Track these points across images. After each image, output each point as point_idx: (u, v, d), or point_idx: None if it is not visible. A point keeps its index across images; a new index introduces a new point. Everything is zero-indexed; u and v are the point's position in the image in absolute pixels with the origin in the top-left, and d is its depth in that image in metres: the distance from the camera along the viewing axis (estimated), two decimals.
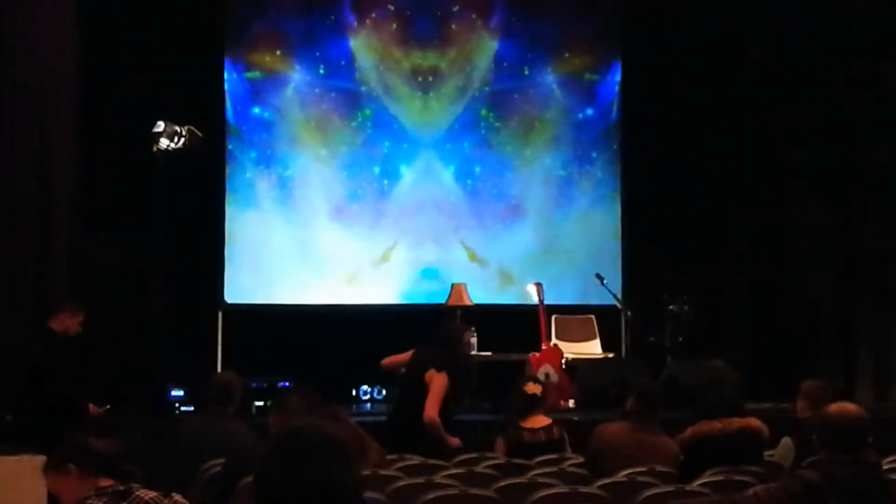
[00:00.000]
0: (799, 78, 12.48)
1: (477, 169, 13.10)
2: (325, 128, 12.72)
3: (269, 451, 3.12)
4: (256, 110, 12.46)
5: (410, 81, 12.97)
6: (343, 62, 12.75)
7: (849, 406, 5.02)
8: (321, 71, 12.67)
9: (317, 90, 12.69)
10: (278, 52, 12.48)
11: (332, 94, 12.73)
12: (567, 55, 13.25)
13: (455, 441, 7.68)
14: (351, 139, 12.78)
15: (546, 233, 13.15)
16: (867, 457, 4.83)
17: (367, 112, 12.81)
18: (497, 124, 13.16)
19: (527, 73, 13.22)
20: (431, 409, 7.70)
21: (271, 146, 12.52)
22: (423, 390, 7.80)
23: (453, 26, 13.08)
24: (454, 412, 8.12)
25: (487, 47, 13.15)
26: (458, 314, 11.13)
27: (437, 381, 7.81)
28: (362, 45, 12.83)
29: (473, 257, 13.10)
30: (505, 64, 13.14)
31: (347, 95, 12.78)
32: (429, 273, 12.89)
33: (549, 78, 13.24)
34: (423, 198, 12.94)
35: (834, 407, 5.02)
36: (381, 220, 12.83)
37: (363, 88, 12.82)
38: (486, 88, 13.13)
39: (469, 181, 13.07)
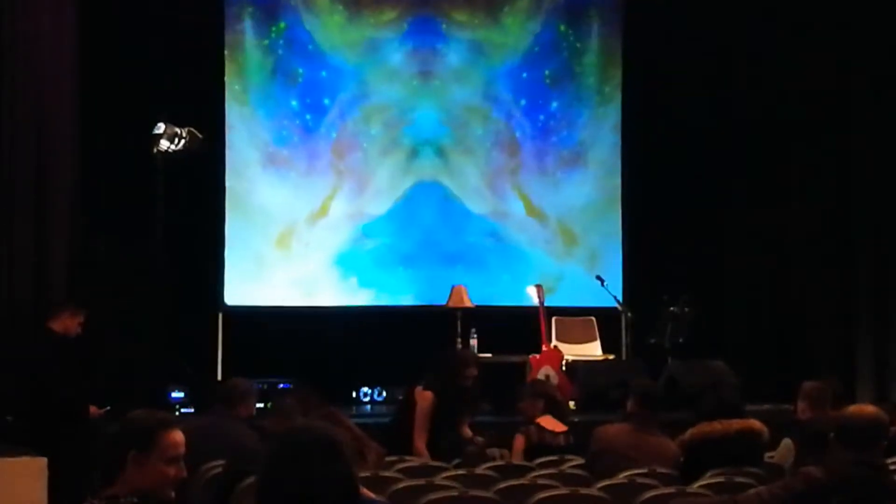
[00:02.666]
0: (799, 79, 12.49)
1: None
2: None
3: (270, 452, 3.13)
4: None
5: None
6: None
7: (868, 407, 5.04)
8: None
9: None
10: None
11: None
12: None
13: None
14: None
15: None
16: (876, 458, 4.83)
17: None
18: None
19: None
20: (418, 441, 7.81)
21: None
22: (409, 406, 7.84)
23: None
24: (446, 433, 8.08)
25: None
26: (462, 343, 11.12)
27: (422, 402, 7.87)
28: None
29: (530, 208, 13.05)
30: None
31: None
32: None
33: None
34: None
35: (854, 407, 5.04)
36: None
37: None
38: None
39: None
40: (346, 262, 12.52)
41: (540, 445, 7.39)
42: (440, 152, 12.86)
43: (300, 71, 12.51)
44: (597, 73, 13.25)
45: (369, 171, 12.68)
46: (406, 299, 12.59)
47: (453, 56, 12.93)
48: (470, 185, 12.94)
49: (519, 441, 7.50)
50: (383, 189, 12.71)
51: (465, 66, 12.96)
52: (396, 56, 12.79)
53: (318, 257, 12.46)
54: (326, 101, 12.58)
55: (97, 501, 3.88)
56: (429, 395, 7.91)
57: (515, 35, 13.09)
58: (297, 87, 12.51)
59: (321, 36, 12.57)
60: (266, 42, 12.39)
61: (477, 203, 12.95)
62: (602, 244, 13.09)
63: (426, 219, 12.83)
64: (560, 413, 7.78)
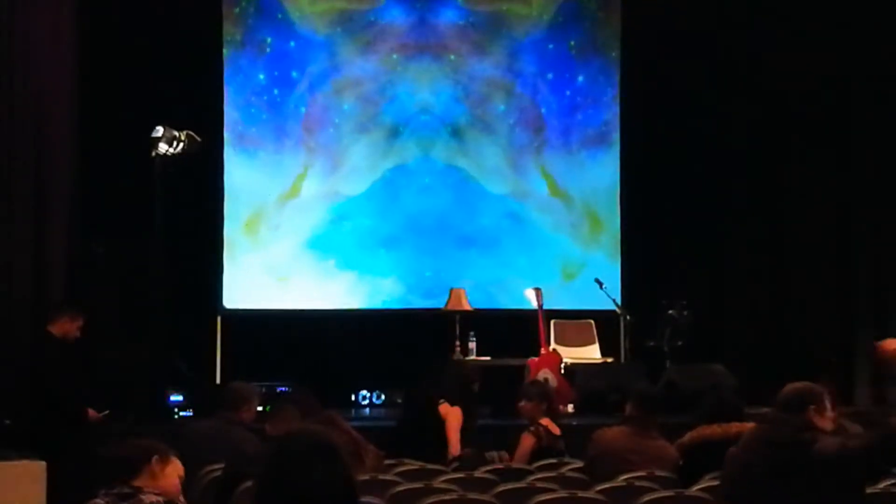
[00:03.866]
0: (799, 83, 12.48)
1: None
2: None
3: (268, 456, 3.14)
4: None
5: None
6: None
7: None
8: None
9: None
10: None
11: None
12: None
13: None
14: None
15: None
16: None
17: None
18: None
19: None
20: (456, 447, 7.79)
21: None
22: (437, 422, 7.81)
23: None
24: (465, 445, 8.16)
25: None
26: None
27: (453, 417, 7.86)
28: None
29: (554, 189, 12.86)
30: None
31: None
32: None
33: None
34: None
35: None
36: None
37: None
38: None
39: None
40: (322, 244, 12.31)
41: (547, 447, 7.44)
42: (454, 132, 12.63)
43: (268, 41, 12.25)
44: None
45: (342, 149, 12.41)
46: (388, 282, 12.42)
47: (469, 30, 12.67)
48: (488, 165, 12.71)
49: (528, 441, 7.55)
50: (360, 168, 12.44)
51: (480, 39, 12.70)
52: (377, 29, 12.52)
53: (291, 241, 12.23)
54: (295, 75, 12.31)
55: (122, 486, 3.94)
56: (458, 411, 7.93)
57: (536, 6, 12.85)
58: (266, 57, 12.22)
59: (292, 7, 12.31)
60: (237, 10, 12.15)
61: (496, 183, 12.72)
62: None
63: (418, 200, 12.53)
64: (555, 417, 7.83)
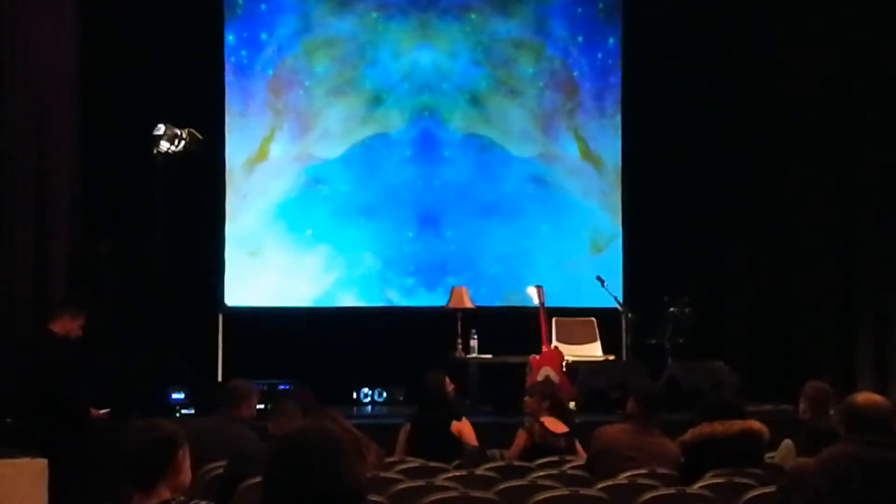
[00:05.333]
0: (800, 82, 12.48)
1: None
2: None
3: (274, 453, 3.13)
4: None
5: None
6: None
7: (874, 395, 5.08)
8: None
9: None
10: None
11: None
12: None
13: None
14: None
15: None
16: (888, 438, 4.85)
17: None
18: None
19: None
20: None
21: None
22: (456, 441, 7.79)
23: None
24: None
25: None
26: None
27: (468, 428, 7.90)
28: None
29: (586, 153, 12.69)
30: None
31: None
32: None
33: None
34: None
35: (860, 395, 5.08)
36: None
37: None
38: None
39: None
40: (295, 212, 12.15)
41: (542, 444, 7.43)
42: (473, 99, 12.49)
43: (240, 2, 12.08)
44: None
45: (314, 112, 12.19)
46: (368, 257, 12.33)
47: None
48: (514, 129, 12.55)
49: (521, 437, 7.59)
50: (335, 133, 12.24)
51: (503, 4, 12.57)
52: None
53: (260, 208, 12.04)
54: (264, 37, 12.12)
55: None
56: (466, 421, 7.95)
57: None
58: (237, 19, 12.04)
59: None
60: None
61: (521, 146, 12.54)
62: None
63: (398, 172, 12.37)
64: (563, 416, 7.82)
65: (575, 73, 12.75)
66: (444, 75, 12.50)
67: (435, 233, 12.52)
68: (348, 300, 12.27)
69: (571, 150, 12.71)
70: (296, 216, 12.19)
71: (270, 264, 12.12)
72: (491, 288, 12.42)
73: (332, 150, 12.24)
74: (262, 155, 12.05)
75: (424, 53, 12.49)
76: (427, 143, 12.48)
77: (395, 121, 12.43)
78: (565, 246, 12.53)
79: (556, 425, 7.63)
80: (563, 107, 12.69)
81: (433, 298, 12.31)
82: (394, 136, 12.44)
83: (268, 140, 12.08)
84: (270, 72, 12.16)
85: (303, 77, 12.20)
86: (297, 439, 3.14)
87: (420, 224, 12.51)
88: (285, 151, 12.10)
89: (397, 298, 12.40)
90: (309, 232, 12.17)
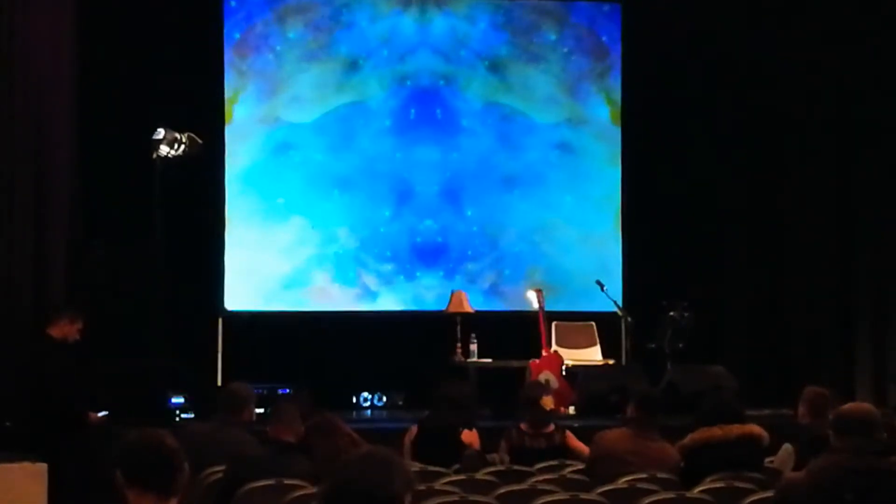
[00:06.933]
0: (798, 88, 12.49)
1: None
2: None
3: (335, 483, 3.13)
4: None
5: None
6: None
7: (863, 404, 5.09)
8: None
9: None
10: None
11: None
12: None
13: None
14: None
15: None
16: (877, 445, 4.84)
17: None
18: None
19: None
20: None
21: None
22: (462, 447, 7.77)
23: None
24: None
25: None
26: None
27: (476, 441, 7.80)
28: None
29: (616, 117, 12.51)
30: None
31: None
32: None
33: None
34: None
35: (849, 404, 5.09)
36: None
37: None
38: None
39: None
40: (264, 178, 11.90)
41: (521, 448, 7.44)
42: (493, 66, 12.38)
43: None
44: None
45: (284, 76, 11.93)
46: (343, 231, 12.15)
47: None
48: (537, 95, 12.43)
49: (504, 446, 7.63)
50: (306, 98, 11.96)
51: None
52: None
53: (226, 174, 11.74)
54: (233, 3, 11.90)
55: None
56: (476, 433, 7.93)
57: None
58: None
59: None
60: None
61: (546, 112, 12.42)
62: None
63: (375, 143, 12.11)
64: (538, 417, 7.74)
65: (604, 38, 12.71)
66: (461, 42, 12.41)
67: (456, 211, 12.38)
68: (322, 279, 12.06)
69: (602, 113, 12.67)
70: (265, 183, 11.94)
71: (238, 237, 11.88)
72: (515, 268, 12.45)
73: (303, 114, 11.98)
74: (226, 117, 11.79)
75: (441, 19, 12.40)
76: (407, 115, 12.31)
77: (373, 89, 12.23)
78: (590, 217, 12.48)
79: (533, 427, 7.61)
80: (593, 70, 12.63)
81: (414, 289, 12.27)
82: (372, 106, 12.23)
83: (231, 101, 11.84)
84: (237, 35, 11.93)
85: (273, 42, 11.99)
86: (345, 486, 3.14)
87: (397, 203, 12.29)
88: (250, 114, 11.85)
89: (374, 285, 12.24)
90: (280, 200, 11.95)
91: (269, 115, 11.95)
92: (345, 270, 12.18)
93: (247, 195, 11.93)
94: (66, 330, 8.60)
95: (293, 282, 12.06)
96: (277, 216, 11.99)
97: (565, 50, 12.67)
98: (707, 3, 12.59)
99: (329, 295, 12.10)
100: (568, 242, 12.56)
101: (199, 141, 9.94)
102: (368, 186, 12.20)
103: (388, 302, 12.33)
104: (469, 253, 12.46)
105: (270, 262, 11.96)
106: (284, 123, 12.00)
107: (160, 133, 9.79)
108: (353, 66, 12.18)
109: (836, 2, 12.21)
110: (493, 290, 12.47)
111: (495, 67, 12.48)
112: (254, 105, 11.91)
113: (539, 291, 11.34)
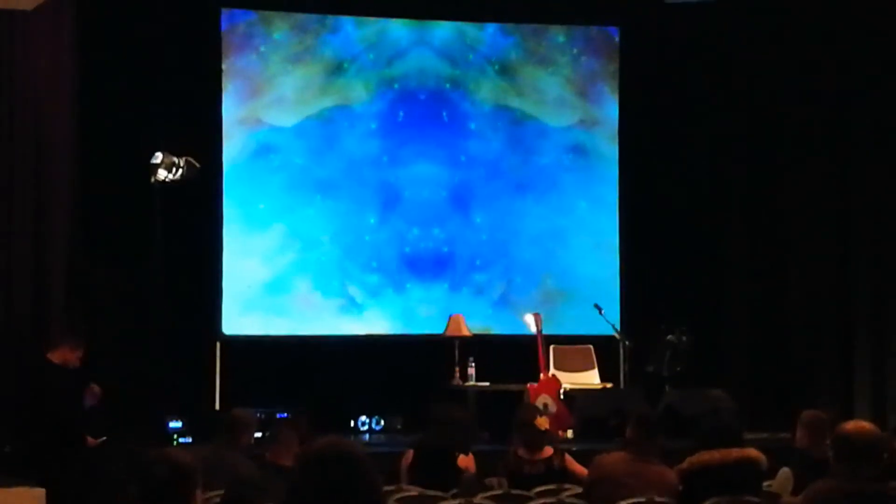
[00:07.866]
0: (796, 100, 12.50)
1: None
2: None
3: (296, 469, 3.14)
4: None
5: None
6: None
7: (865, 424, 5.07)
8: None
9: None
10: None
11: None
12: None
13: None
14: None
15: None
16: (877, 470, 4.83)
17: None
18: None
19: None
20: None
21: None
22: (459, 472, 7.74)
23: None
24: None
25: None
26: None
27: (472, 465, 7.78)
28: None
29: None
30: None
31: None
32: None
33: None
34: None
35: (850, 423, 5.07)
36: None
37: None
38: None
39: None
40: (243, 182, 11.77)
41: (518, 475, 7.40)
42: (503, 69, 12.32)
43: None
44: None
45: (267, 77, 11.80)
46: (325, 239, 12.02)
47: None
48: (549, 98, 12.36)
49: (501, 471, 7.56)
50: (288, 100, 11.82)
51: None
52: None
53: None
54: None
55: None
56: (472, 458, 7.90)
57: None
58: None
59: None
60: None
61: (558, 116, 12.35)
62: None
63: (361, 146, 12.01)
64: (534, 440, 7.69)
65: (616, 39, 12.68)
66: (469, 46, 12.38)
67: (464, 219, 12.31)
68: (304, 286, 11.94)
69: (616, 114, 12.63)
70: (244, 186, 11.82)
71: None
72: (526, 276, 12.43)
73: (285, 117, 11.86)
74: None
75: (446, 23, 12.36)
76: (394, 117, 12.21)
77: (358, 92, 12.15)
78: (602, 225, 12.48)
79: (530, 452, 7.58)
80: (605, 69, 12.59)
81: (405, 302, 12.23)
82: (357, 110, 12.13)
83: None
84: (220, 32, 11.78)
85: (258, 42, 11.88)
86: (317, 454, 3.14)
87: (383, 210, 12.17)
88: (229, 114, 11.70)
89: (360, 297, 12.16)
90: (261, 206, 11.83)
91: (249, 115, 11.79)
92: (328, 280, 12.04)
93: (226, 196, 11.74)
94: (67, 356, 8.59)
95: (274, 289, 11.92)
96: (258, 221, 11.85)
97: (574, 51, 12.68)
98: (707, 7, 12.58)
99: (311, 303, 11.97)
100: (583, 249, 12.50)
101: (197, 165, 9.96)
102: (352, 192, 12.06)
103: (376, 315, 12.21)
104: (477, 263, 12.40)
105: (251, 269, 11.82)
106: (265, 125, 11.87)
107: (158, 157, 9.80)
108: (338, 69, 12.06)
109: (837, 2, 12.22)
110: (504, 301, 12.40)
111: (504, 70, 12.42)
112: (233, 107, 11.73)
113: (537, 315, 11.33)
